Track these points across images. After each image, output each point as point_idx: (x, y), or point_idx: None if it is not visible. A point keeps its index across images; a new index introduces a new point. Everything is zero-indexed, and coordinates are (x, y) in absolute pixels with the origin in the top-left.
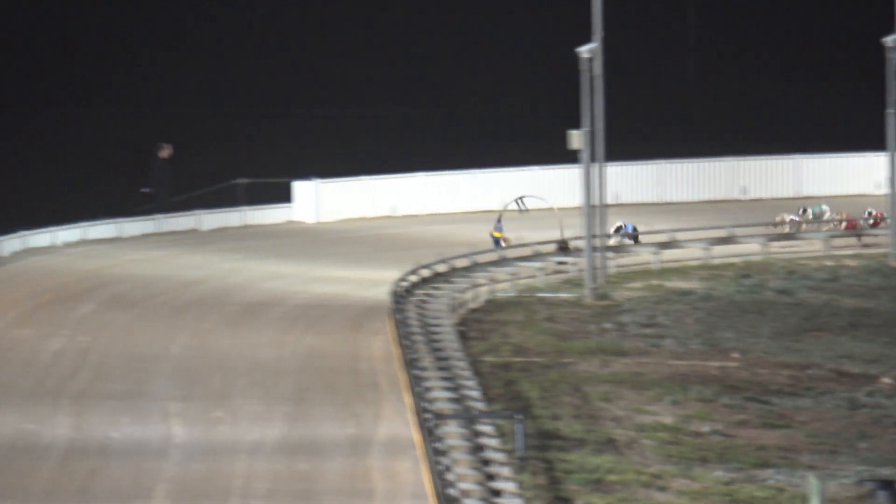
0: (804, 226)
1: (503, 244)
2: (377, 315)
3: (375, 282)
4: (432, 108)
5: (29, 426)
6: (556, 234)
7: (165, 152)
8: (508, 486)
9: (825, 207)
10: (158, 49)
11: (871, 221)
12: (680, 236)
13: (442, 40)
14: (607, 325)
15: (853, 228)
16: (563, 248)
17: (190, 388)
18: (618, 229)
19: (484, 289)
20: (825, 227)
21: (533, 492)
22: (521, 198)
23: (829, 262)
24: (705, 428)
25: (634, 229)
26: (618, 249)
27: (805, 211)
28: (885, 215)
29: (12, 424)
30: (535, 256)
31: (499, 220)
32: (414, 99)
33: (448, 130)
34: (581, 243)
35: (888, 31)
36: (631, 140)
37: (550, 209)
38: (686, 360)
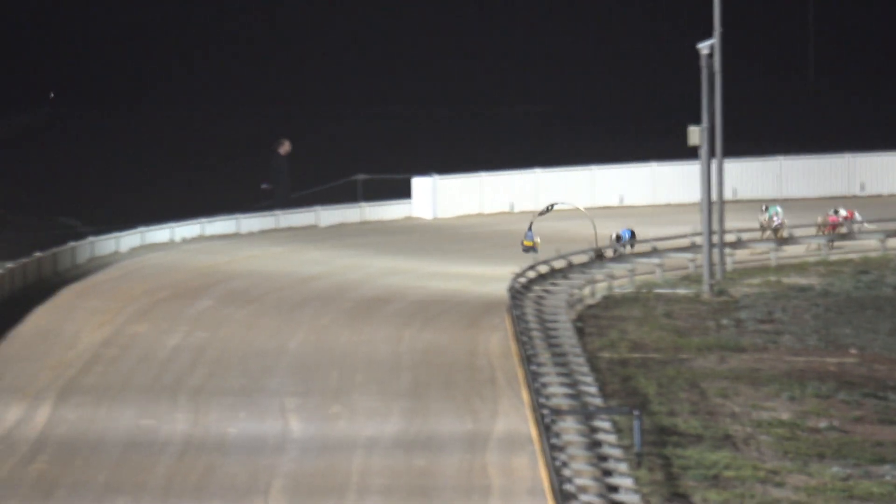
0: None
1: (535, 249)
2: (495, 311)
3: (493, 278)
4: (550, 105)
5: (146, 422)
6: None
7: (284, 148)
8: (625, 482)
9: (778, 209)
10: (275, 48)
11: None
12: (797, 232)
13: (559, 38)
14: (725, 322)
15: (833, 230)
16: (600, 256)
17: (307, 383)
18: (618, 238)
19: (601, 285)
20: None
21: (650, 487)
22: (551, 205)
23: None
24: (822, 424)
25: (632, 234)
26: (735, 245)
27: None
28: (856, 215)
29: (130, 420)
30: (654, 253)
31: (529, 229)
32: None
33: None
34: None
35: None
36: (749, 136)
37: (576, 209)
38: (803, 357)
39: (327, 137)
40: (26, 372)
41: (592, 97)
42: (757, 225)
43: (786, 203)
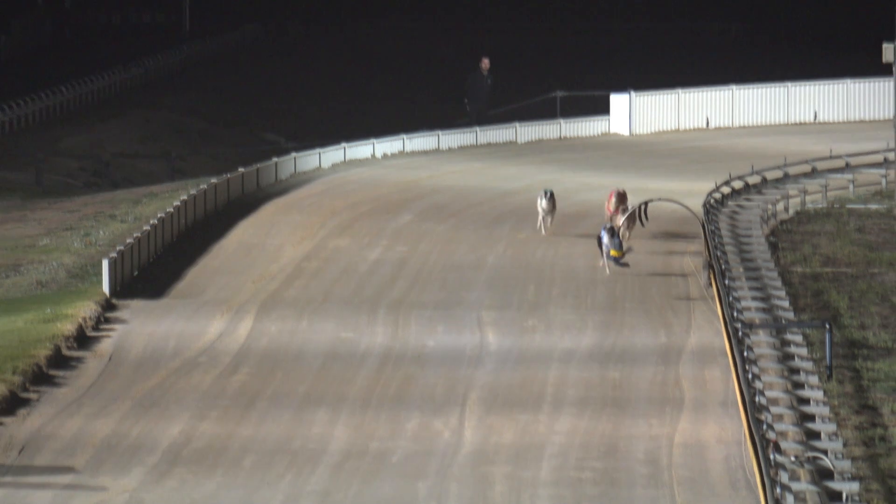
0: None
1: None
2: (689, 225)
3: (688, 193)
4: (747, 22)
5: (346, 334)
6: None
7: (484, 64)
8: (816, 395)
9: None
10: None
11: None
12: None
13: None
14: None
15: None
16: (709, 265)
17: (504, 297)
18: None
19: (795, 200)
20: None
21: (839, 399)
22: (646, 203)
23: None
24: None
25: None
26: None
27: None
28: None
29: (330, 332)
30: (846, 168)
31: (617, 234)
32: (729, 14)
33: (760, 44)
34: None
35: None
36: None
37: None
38: None
39: (527, 53)
40: (229, 285)
41: (788, 14)
42: None
43: None
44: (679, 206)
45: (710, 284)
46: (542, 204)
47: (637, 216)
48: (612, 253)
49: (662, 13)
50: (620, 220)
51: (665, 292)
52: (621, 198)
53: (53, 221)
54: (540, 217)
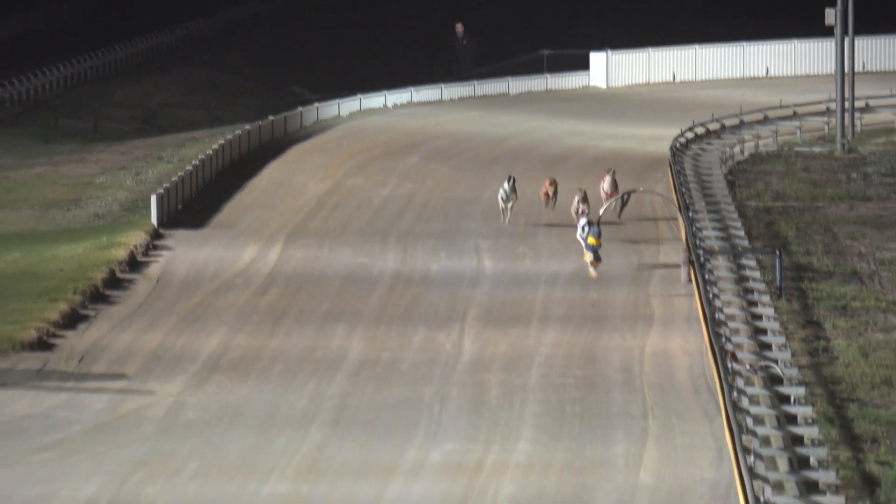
0: None
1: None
2: (658, 167)
3: (657, 138)
4: None
5: (362, 260)
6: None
7: (458, 29)
8: (767, 312)
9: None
10: None
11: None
12: None
13: None
14: (854, 175)
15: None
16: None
17: (498, 227)
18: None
19: (749, 144)
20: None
21: (788, 316)
22: (628, 193)
23: None
24: None
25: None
26: (863, 110)
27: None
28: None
29: (348, 258)
30: (794, 116)
31: (597, 223)
32: None
33: (721, 9)
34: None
35: None
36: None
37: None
38: None
39: (518, 17)
40: (261, 217)
41: None
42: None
43: None
44: (660, 183)
45: (690, 280)
46: (506, 187)
47: (622, 201)
48: (590, 241)
49: None
50: (610, 201)
51: (637, 224)
52: (614, 182)
53: (108, 162)
54: (500, 205)
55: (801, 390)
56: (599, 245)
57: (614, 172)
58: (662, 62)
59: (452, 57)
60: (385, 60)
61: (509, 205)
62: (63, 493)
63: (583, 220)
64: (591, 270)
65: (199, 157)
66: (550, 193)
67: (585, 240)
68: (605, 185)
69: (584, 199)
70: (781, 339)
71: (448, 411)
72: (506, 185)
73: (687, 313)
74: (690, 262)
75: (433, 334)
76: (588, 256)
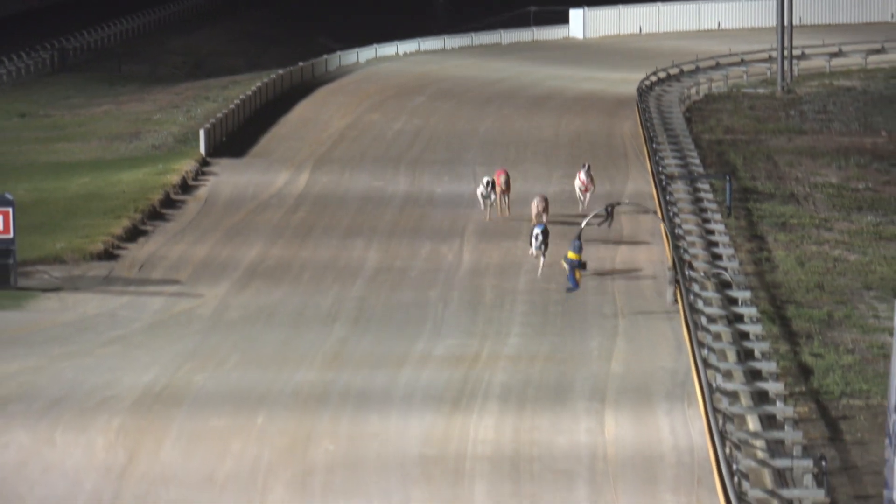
0: None
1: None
2: (627, 105)
3: (626, 81)
4: None
5: (377, 183)
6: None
7: None
8: (719, 227)
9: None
10: None
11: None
12: (845, 48)
13: None
14: (792, 112)
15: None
16: (609, 213)
17: (492, 156)
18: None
19: (704, 86)
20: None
21: (736, 231)
22: (612, 206)
23: None
24: (860, 185)
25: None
26: (799, 58)
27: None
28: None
29: (366, 182)
30: (742, 63)
31: (578, 237)
32: None
33: None
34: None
35: None
36: None
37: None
38: (847, 137)
39: None
40: (292, 147)
41: None
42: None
43: (838, 27)
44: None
45: (676, 301)
46: (484, 189)
47: (608, 214)
48: (571, 255)
49: None
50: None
51: (609, 152)
52: (590, 175)
53: (163, 101)
54: (481, 203)
55: (747, 293)
56: (579, 260)
57: (589, 166)
58: (631, 17)
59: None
60: (397, 16)
61: (489, 201)
62: (125, 381)
63: (536, 230)
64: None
65: (240, 97)
66: (503, 189)
67: (537, 246)
68: (581, 176)
69: (545, 208)
70: (731, 251)
71: (450, 311)
72: (483, 188)
73: (651, 229)
74: (676, 282)
75: (437, 246)
76: (566, 269)
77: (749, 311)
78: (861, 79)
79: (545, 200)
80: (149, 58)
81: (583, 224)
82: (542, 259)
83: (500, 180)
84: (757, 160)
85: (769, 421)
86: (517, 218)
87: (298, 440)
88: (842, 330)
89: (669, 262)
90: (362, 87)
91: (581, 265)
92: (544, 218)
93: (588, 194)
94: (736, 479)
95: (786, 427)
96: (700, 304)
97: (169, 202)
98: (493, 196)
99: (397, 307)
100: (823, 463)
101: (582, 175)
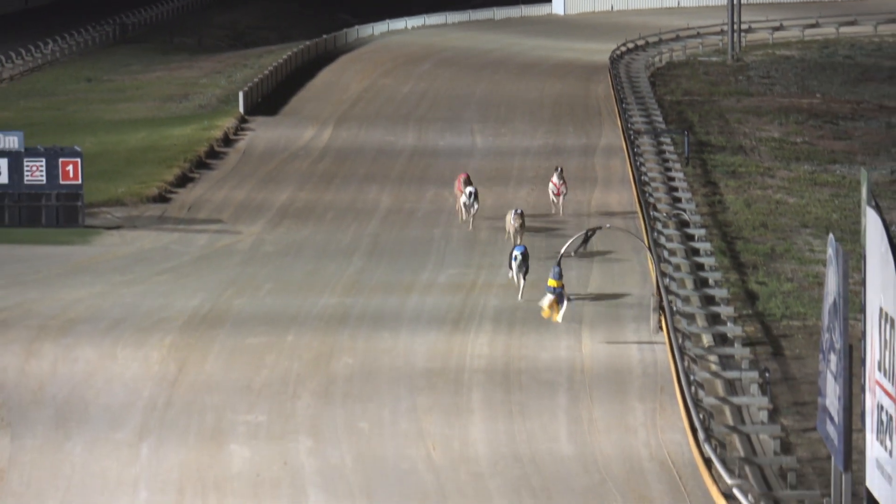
0: None
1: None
2: (601, 71)
3: (600, 51)
4: None
5: (389, 138)
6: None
7: None
8: (678, 175)
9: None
10: None
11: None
12: (786, 23)
13: None
14: (740, 77)
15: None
16: (588, 237)
17: (486, 114)
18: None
19: (665, 55)
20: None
21: (693, 178)
22: (592, 231)
23: (875, 39)
24: (798, 140)
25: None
26: (746, 30)
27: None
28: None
29: (379, 136)
30: (698, 35)
31: (558, 264)
32: None
33: None
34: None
35: None
36: None
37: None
38: (787, 99)
39: None
40: (317, 107)
41: None
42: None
43: (780, 5)
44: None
45: (660, 329)
46: (467, 199)
47: (586, 237)
48: (550, 282)
49: None
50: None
51: (585, 112)
52: (562, 177)
53: (208, 68)
54: (462, 212)
55: (702, 231)
56: (562, 287)
57: (562, 169)
58: None
59: None
60: None
61: (472, 211)
62: (176, 304)
63: (516, 251)
64: (553, 315)
65: (273, 64)
66: (468, 200)
67: (515, 269)
68: (554, 179)
69: (521, 218)
70: (688, 195)
71: (451, 246)
72: (466, 198)
73: (621, 176)
74: (661, 309)
75: (440, 191)
76: (545, 301)
77: (704, 246)
78: (799, 49)
79: (521, 217)
80: (196, 31)
81: (562, 250)
82: (522, 282)
83: (461, 183)
84: (710, 118)
85: (721, 339)
86: (504, 168)
87: (322, 354)
88: (782, 262)
89: (654, 289)
90: (376, 56)
91: (562, 294)
92: (520, 235)
93: (561, 197)
94: (693, 387)
95: (735, 344)
96: (662, 240)
97: (213, 153)
98: (474, 208)
99: (406, 242)
100: (767, 374)
101: (555, 178)
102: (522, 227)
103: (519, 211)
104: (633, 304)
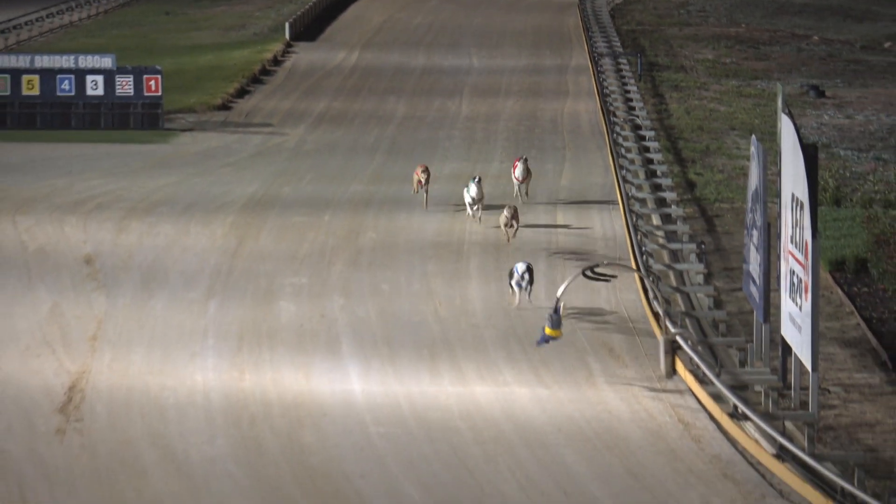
0: None
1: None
2: (571, 8)
3: None
4: None
5: (404, 59)
6: None
7: None
8: (633, 89)
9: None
10: None
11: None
12: None
13: None
14: (682, 11)
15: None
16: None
17: (481, 41)
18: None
19: None
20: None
21: (645, 91)
22: (592, 268)
23: None
24: (728, 60)
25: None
26: None
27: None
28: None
29: (397, 59)
30: None
31: (556, 311)
32: None
33: None
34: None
35: None
36: None
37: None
38: (719, 28)
39: None
40: (346, 35)
41: None
42: None
43: None
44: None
45: (675, 372)
46: (472, 193)
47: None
48: (547, 331)
49: None
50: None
51: (559, 39)
52: (527, 169)
53: (261, 4)
54: (469, 209)
55: (652, 133)
56: (558, 336)
57: (526, 160)
58: None
59: None
60: None
61: (476, 206)
62: (236, 191)
63: (521, 266)
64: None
65: (313, 1)
66: (423, 181)
67: (520, 283)
68: (517, 172)
69: (515, 216)
70: (641, 104)
71: (453, 144)
72: (473, 191)
73: (587, 89)
74: (673, 351)
75: (445, 101)
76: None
77: (653, 144)
78: None
79: (515, 214)
80: None
81: (558, 293)
82: (527, 298)
83: (420, 175)
84: (658, 43)
85: (666, 218)
86: (497, 83)
87: (352, 231)
88: (715, 157)
89: (665, 329)
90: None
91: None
92: (512, 228)
93: (525, 185)
94: (644, 256)
95: (677, 222)
96: (620, 140)
97: (265, 71)
98: (479, 204)
99: (418, 142)
100: (703, 246)
101: (517, 171)
102: (516, 221)
103: (513, 207)
104: (597, 188)
